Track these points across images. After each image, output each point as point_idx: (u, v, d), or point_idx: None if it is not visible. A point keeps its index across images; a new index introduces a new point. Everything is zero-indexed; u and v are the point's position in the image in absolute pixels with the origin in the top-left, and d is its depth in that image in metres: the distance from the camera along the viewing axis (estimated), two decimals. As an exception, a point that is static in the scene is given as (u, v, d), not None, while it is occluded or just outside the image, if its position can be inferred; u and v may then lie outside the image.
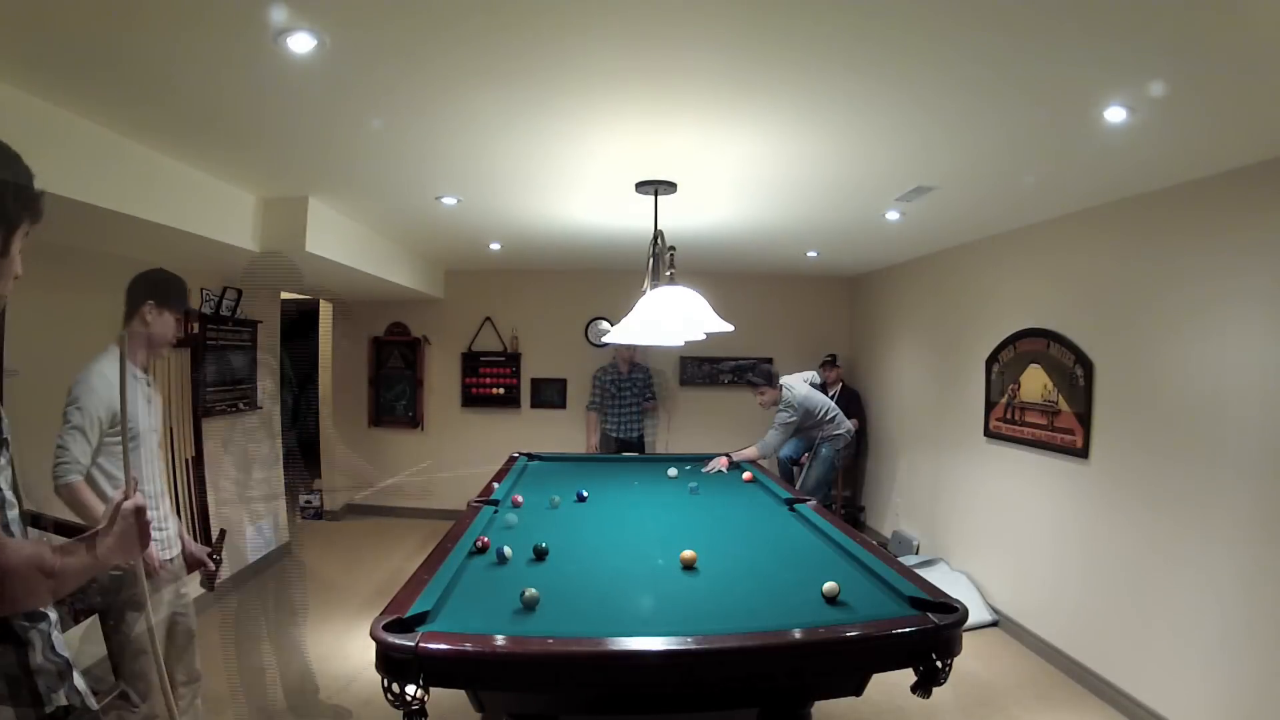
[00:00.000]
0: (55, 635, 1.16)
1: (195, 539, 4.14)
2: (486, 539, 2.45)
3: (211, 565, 2.50)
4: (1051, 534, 3.63)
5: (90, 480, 2.11)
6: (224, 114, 2.34)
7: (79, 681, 1.16)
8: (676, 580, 2.20)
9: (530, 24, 1.72)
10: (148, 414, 2.32)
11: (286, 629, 2.77)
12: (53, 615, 1.16)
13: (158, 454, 2.41)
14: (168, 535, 2.36)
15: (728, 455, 4.32)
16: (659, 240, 3.23)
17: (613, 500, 3.37)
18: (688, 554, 2.30)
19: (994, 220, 3.92)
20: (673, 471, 4.04)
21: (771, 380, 4.70)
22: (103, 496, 2.10)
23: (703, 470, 4.16)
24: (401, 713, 1.56)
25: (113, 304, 3.53)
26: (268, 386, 5.23)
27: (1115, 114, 2.15)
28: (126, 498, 1.22)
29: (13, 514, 1.10)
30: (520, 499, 3.19)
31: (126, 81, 2.03)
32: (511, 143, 2.62)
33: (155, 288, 2.29)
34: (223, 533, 2.81)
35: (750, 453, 4.41)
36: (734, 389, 6.57)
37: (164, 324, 2.30)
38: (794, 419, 4.56)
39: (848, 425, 4.87)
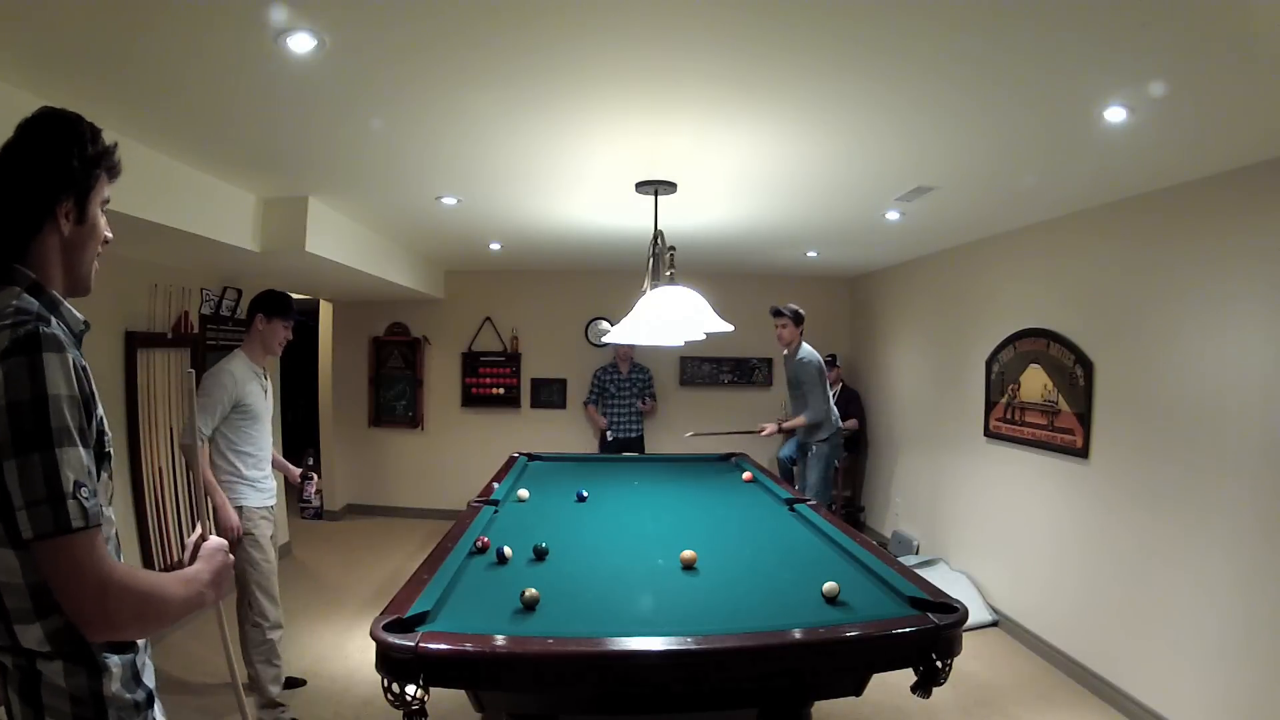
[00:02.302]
0: (145, 663, 1.11)
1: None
2: (486, 539, 2.45)
3: (310, 485, 3.20)
4: (1051, 534, 3.63)
5: (213, 445, 2.90)
6: (224, 114, 2.34)
7: (159, 714, 1.11)
8: (676, 580, 2.20)
9: (531, 24, 1.72)
10: (264, 400, 3.06)
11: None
12: (142, 644, 1.11)
13: (269, 429, 3.12)
14: (272, 489, 3.10)
15: (777, 422, 4.46)
16: (659, 240, 3.23)
17: (612, 500, 3.37)
18: (688, 554, 2.30)
19: (994, 220, 3.92)
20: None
21: (798, 320, 4.53)
22: (225, 458, 2.91)
23: (761, 434, 4.65)
24: (401, 713, 1.56)
25: (113, 302, 3.52)
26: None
27: (1115, 114, 2.15)
28: (203, 538, 1.21)
29: (111, 532, 1.06)
30: (525, 493, 3.24)
31: (126, 81, 2.03)
32: (512, 143, 2.62)
33: (265, 303, 3.03)
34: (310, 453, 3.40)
35: (798, 421, 4.44)
36: (734, 389, 6.57)
37: (272, 330, 3.03)
38: (816, 371, 4.44)
39: (838, 422, 4.84)
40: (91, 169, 1.09)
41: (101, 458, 1.04)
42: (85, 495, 0.95)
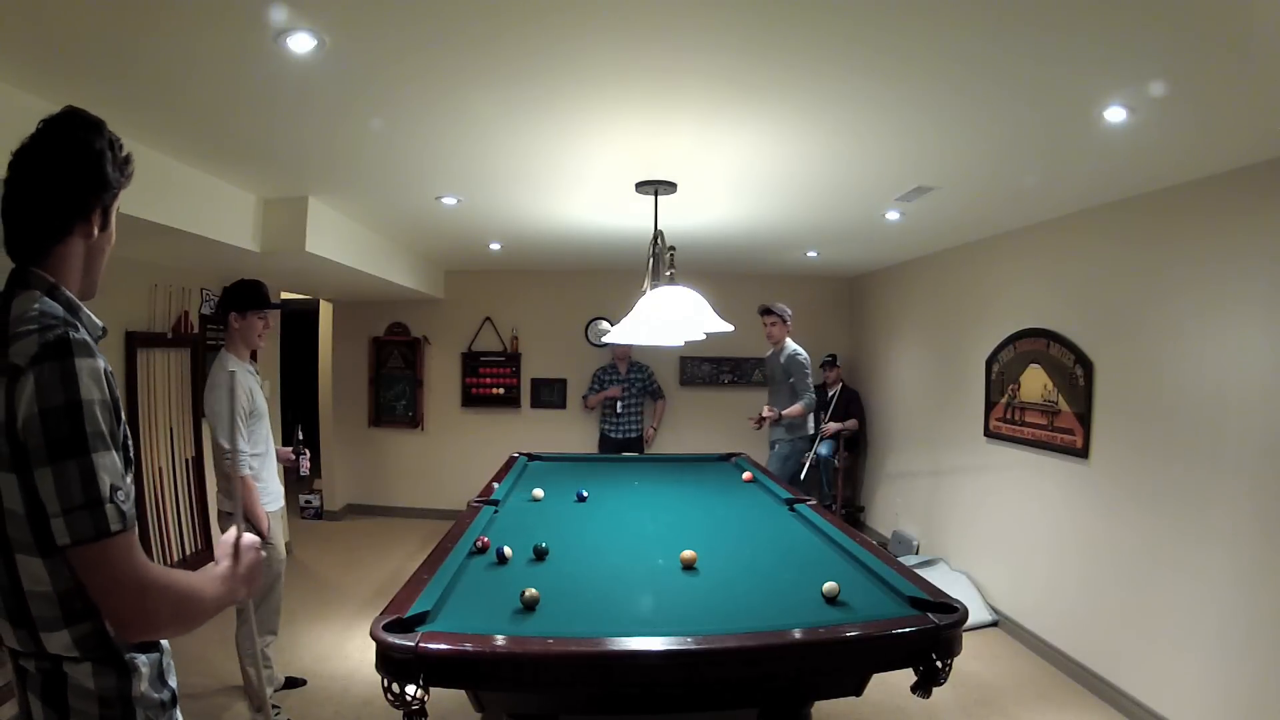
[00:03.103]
0: (168, 663, 1.13)
1: (194, 538, 4.16)
2: (486, 539, 2.45)
3: (304, 459, 3.26)
4: (1051, 534, 3.63)
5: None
6: (224, 114, 2.34)
7: (179, 714, 1.13)
8: (676, 580, 2.20)
9: (531, 24, 1.72)
10: (263, 396, 2.97)
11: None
12: (165, 644, 1.13)
13: (268, 426, 3.03)
14: (279, 491, 3.06)
15: (777, 412, 4.58)
16: (659, 240, 3.23)
17: (612, 500, 3.37)
18: (688, 554, 2.30)
19: (994, 220, 3.92)
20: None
21: (786, 320, 4.79)
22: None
23: (757, 418, 4.67)
24: (401, 713, 1.56)
25: (113, 302, 3.53)
26: (267, 387, 5.23)
27: (1115, 114, 2.15)
28: (239, 535, 1.23)
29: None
30: (540, 492, 3.29)
31: (126, 81, 2.03)
32: (512, 143, 2.62)
33: (233, 299, 2.92)
34: (300, 428, 3.43)
35: (797, 409, 4.61)
36: (734, 389, 6.57)
37: (249, 325, 2.91)
38: (807, 365, 4.70)
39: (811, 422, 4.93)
40: (120, 174, 1.11)
41: (126, 462, 1.04)
42: (121, 499, 0.96)
